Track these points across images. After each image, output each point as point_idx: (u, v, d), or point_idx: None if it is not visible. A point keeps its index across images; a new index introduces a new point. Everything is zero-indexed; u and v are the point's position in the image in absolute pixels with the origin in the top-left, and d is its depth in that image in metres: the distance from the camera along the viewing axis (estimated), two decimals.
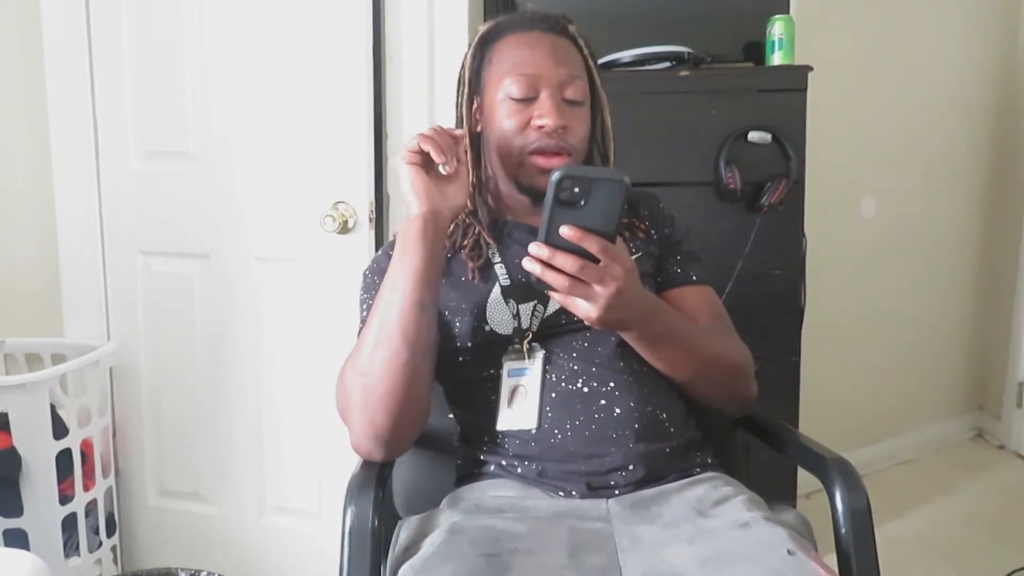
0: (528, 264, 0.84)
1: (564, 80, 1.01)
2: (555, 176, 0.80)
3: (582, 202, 0.81)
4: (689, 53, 1.73)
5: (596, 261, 0.84)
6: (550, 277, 0.84)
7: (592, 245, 0.82)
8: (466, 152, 1.01)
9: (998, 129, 2.76)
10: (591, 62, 1.07)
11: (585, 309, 0.87)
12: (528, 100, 1.01)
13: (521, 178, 1.03)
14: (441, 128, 0.98)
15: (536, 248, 0.83)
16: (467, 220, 1.08)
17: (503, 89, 1.02)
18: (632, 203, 1.13)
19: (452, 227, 1.08)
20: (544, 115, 1.00)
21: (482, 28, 1.09)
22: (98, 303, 1.86)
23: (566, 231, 0.81)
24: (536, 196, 1.03)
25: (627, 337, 0.97)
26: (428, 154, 0.94)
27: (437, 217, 0.94)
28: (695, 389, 1.04)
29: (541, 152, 1.01)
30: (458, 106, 1.09)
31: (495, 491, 0.98)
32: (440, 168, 0.96)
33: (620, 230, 0.86)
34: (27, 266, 1.84)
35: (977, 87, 2.70)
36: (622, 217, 0.82)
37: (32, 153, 1.82)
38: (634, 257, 1.06)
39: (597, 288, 0.85)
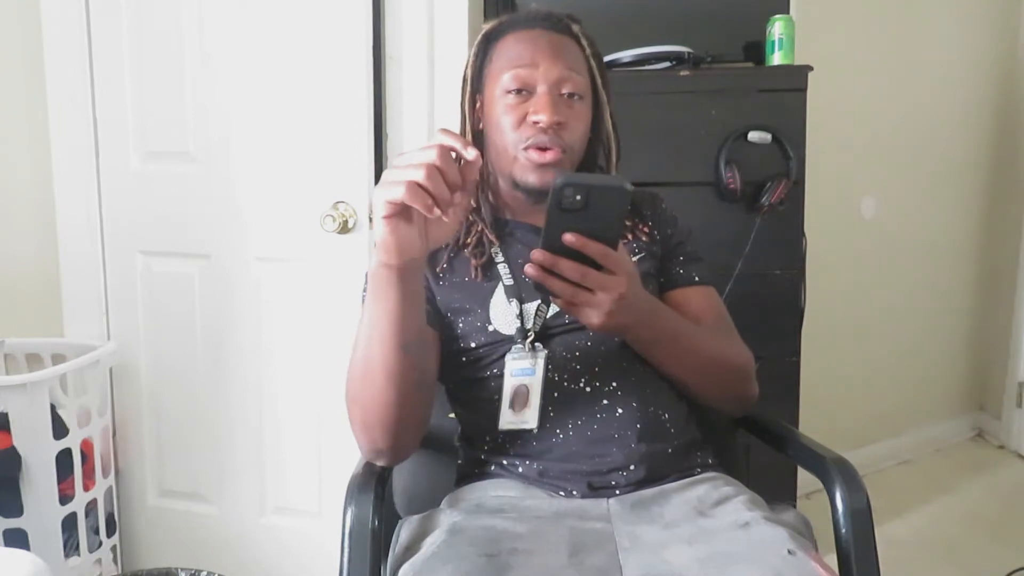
0: (530, 270, 0.84)
1: (562, 75, 1.00)
2: (556, 183, 0.80)
3: (583, 209, 0.81)
4: (689, 53, 1.73)
5: (598, 267, 0.84)
6: (552, 284, 0.84)
7: (594, 252, 0.82)
8: (479, 175, 0.87)
9: (998, 129, 2.76)
10: (594, 62, 1.06)
11: (587, 315, 0.87)
12: (524, 95, 1.01)
13: (516, 174, 1.02)
14: (444, 154, 0.77)
15: (538, 254, 0.83)
16: (470, 217, 1.08)
17: (501, 85, 1.02)
18: (634, 203, 1.13)
19: None
20: (539, 111, 0.99)
21: (485, 27, 1.08)
22: (98, 303, 1.85)
23: (568, 238, 0.81)
24: (531, 193, 1.02)
25: (628, 339, 0.97)
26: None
27: (409, 266, 0.82)
28: (696, 390, 1.04)
29: (535, 147, 1.00)
30: (462, 105, 1.08)
31: (495, 491, 0.98)
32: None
33: (622, 234, 0.86)
34: (27, 266, 1.84)
35: (977, 87, 2.70)
36: (624, 223, 0.82)
37: (32, 153, 1.82)
38: (636, 257, 1.06)
39: (599, 294, 0.85)
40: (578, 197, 0.80)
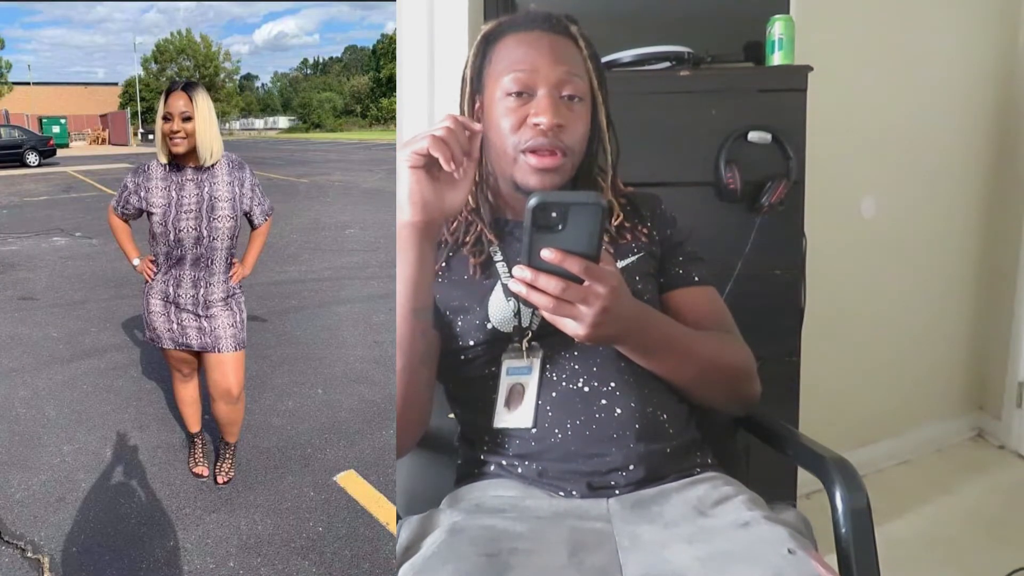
0: (513, 285, 0.85)
1: (562, 78, 1.00)
2: (531, 203, 0.81)
3: (560, 226, 0.82)
4: (689, 53, 1.73)
5: (580, 282, 0.84)
6: (535, 298, 0.84)
7: (573, 266, 0.83)
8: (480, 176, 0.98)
9: (998, 129, 2.75)
10: (592, 63, 1.06)
11: (572, 327, 0.87)
12: (525, 98, 1.00)
13: (516, 176, 1.02)
14: (457, 123, 0.90)
15: (519, 270, 0.84)
16: (469, 217, 1.08)
17: (501, 87, 1.02)
18: (633, 204, 1.13)
19: (455, 224, 1.08)
20: (540, 113, 0.99)
21: (485, 27, 1.08)
22: None
23: (546, 254, 0.82)
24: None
25: (620, 348, 0.97)
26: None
27: (429, 226, 0.92)
28: (696, 393, 1.04)
29: (535, 151, 1.00)
30: (462, 105, 1.08)
31: (495, 491, 0.98)
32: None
33: (604, 247, 0.87)
34: None
35: (977, 87, 2.70)
36: (603, 237, 0.83)
37: None
38: (635, 258, 1.06)
39: (581, 308, 0.85)
40: (554, 215, 0.81)
